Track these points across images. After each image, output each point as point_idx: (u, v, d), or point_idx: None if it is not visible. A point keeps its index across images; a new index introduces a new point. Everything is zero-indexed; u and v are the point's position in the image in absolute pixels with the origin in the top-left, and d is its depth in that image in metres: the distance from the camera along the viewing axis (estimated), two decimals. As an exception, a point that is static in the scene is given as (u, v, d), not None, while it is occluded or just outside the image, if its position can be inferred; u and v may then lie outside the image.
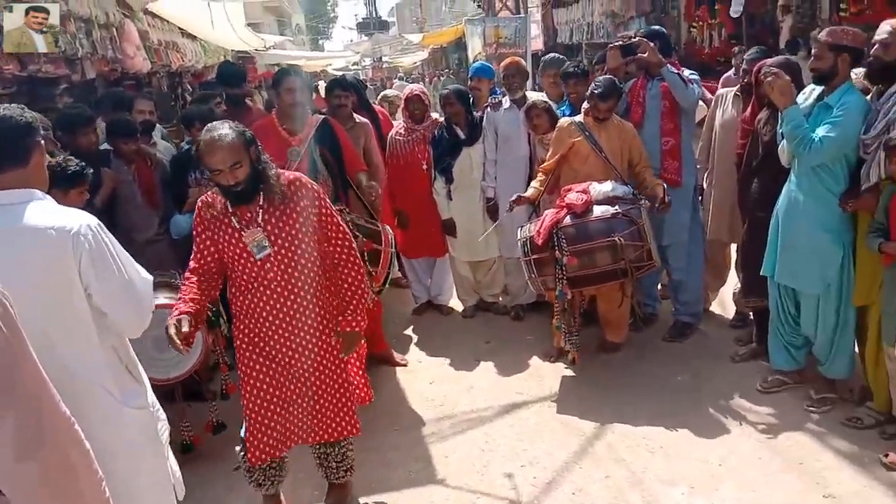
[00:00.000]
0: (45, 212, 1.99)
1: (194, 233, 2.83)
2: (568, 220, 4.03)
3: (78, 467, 1.55)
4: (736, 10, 9.02)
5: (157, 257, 4.16)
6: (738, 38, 9.33)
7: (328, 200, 2.92)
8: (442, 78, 21.51)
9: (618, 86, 4.37)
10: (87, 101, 6.86)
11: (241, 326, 2.89)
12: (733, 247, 4.75)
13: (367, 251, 3.68)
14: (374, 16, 38.20)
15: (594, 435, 3.69)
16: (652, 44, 4.26)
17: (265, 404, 2.89)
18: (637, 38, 4.39)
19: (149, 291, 2.19)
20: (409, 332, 5.30)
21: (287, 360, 2.88)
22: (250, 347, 2.88)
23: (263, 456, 2.92)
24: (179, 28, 10.53)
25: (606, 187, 4.12)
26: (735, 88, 4.64)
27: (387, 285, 3.89)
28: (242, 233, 2.72)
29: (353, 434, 3.08)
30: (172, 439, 2.49)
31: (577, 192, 4.13)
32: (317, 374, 2.94)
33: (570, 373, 4.39)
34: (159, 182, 4.32)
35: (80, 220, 2.00)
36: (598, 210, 4.05)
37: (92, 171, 3.15)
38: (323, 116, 4.24)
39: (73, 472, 1.53)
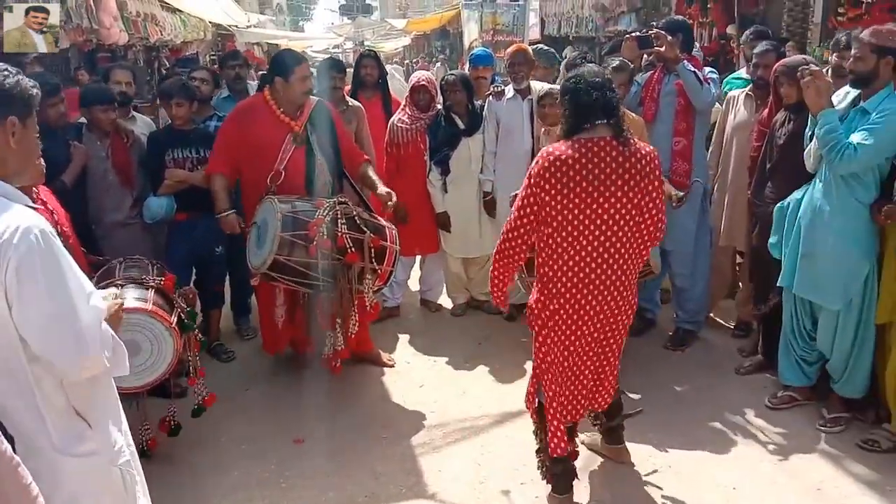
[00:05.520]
0: None
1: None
2: None
3: None
4: None
5: (128, 242, 3.88)
6: (726, 39, 9.15)
7: None
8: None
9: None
10: (59, 73, 6.46)
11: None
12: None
13: (375, 248, 3.42)
14: (358, -1, 37.55)
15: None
16: (671, 37, 4.00)
17: None
18: (655, 31, 4.13)
19: (94, 328, 1.71)
20: (394, 329, 5.02)
21: None
22: None
23: None
24: (159, 0, 10.11)
25: None
26: (747, 88, 4.44)
27: (388, 284, 3.63)
28: None
29: None
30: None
31: None
32: None
33: (567, 380, 4.15)
34: (136, 161, 3.99)
35: (19, 224, 1.59)
36: None
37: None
38: (318, 99, 3.95)
39: None
